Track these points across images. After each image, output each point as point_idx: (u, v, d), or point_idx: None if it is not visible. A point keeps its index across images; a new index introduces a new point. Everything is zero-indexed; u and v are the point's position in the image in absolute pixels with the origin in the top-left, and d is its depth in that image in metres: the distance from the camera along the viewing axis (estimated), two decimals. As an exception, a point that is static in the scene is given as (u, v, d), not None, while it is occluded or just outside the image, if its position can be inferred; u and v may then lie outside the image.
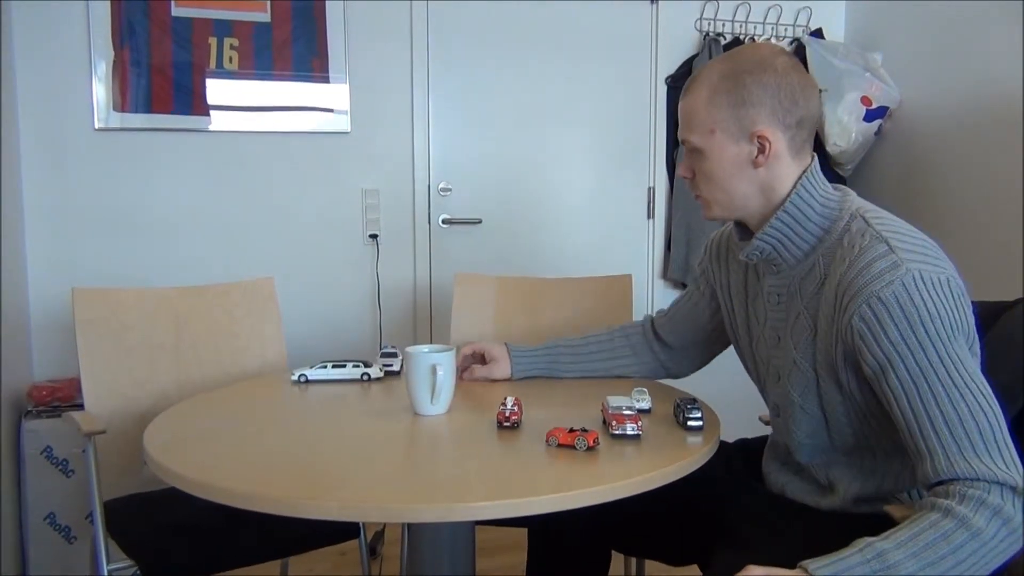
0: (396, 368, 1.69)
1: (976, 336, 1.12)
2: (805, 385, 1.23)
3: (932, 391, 1.05)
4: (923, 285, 1.06)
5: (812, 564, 0.97)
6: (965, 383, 1.04)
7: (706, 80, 1.24)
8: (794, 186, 1.22)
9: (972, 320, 1.10)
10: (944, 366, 1.05)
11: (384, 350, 1.73)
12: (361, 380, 1.66)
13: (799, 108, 1.20)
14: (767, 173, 1.22)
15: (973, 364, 1.07)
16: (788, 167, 1.23)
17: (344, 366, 1.66)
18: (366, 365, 1.66)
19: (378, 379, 1.67)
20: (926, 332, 1.05)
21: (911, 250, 1.10)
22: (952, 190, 2.81)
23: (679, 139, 1.29)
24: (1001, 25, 2.58)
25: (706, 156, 1.24)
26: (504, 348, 1.63)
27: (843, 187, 1.27)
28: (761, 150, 1.21)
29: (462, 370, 1.63)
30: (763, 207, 1.25)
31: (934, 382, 1.05)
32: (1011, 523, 0.98)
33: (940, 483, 1.03)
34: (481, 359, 1.65)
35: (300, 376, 1.64)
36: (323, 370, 1.65)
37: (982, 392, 1.04)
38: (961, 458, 1.02)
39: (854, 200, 1.23)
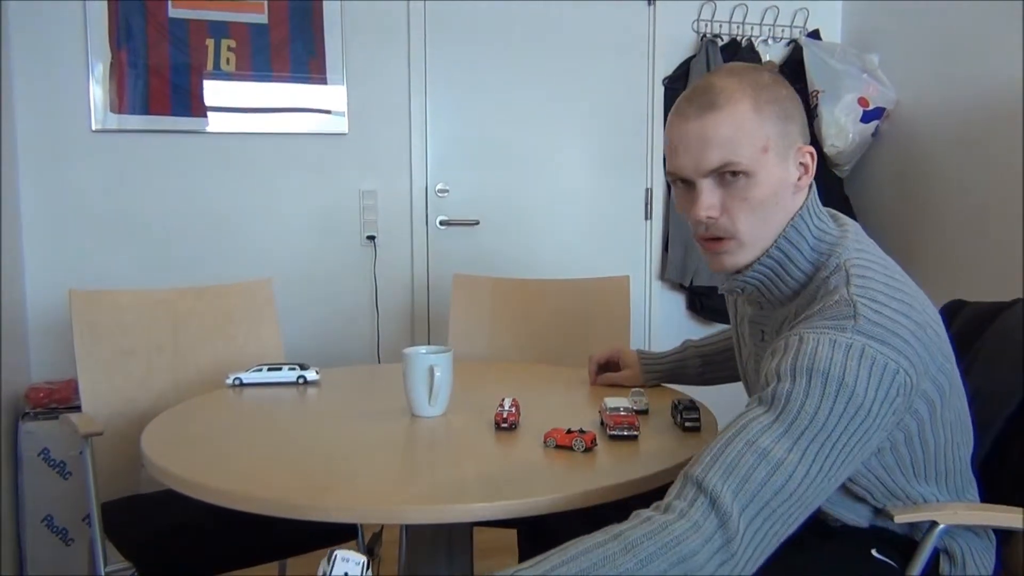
0: None
1: (879, 445, 0.96)
2: None
3: (762, 424, 0.89)
4: (855, 357, 0.90)
5: None
6: (794, 457, 0.87)
7: (741, 92, 1.03)
8: (792, 218, 1.07)
9: (879, 427, 0.91)
10: (801, 419, 0.88)
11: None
12: (297, 383, 1.65)
13: (808, 127, 1.10)
14: (793, 200, 1.07)
15: (828, 463, 0.88)
16: (803, 194, 1.09)
17: (280, 369, 1.65)
18: (302, 368, 1.65)
19: (314, 382, 1.65)
20: (823, 385, 0.89)
21: (879, 326, 0.93)
22: (949, 191, 2.81)
23: (713, 167, 1.04)
24: (999, 26, 2.59)
25: (757, 181, 1.03)
26: (635, 355, 1.62)
27: (845, 222, 1.11)
28: (805, 170, 1.07)
29: (593, 375, 1.63)
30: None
31: (775, 421, 0.89)
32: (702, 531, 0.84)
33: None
34: (616, 366, 1.64)
35: (235, 380, 1.63)
36: (258, 373, 1.64)
37: (790, 474, 0.87)
38: (698, 464, 0.89)
39: (848, 247, 1.05)
